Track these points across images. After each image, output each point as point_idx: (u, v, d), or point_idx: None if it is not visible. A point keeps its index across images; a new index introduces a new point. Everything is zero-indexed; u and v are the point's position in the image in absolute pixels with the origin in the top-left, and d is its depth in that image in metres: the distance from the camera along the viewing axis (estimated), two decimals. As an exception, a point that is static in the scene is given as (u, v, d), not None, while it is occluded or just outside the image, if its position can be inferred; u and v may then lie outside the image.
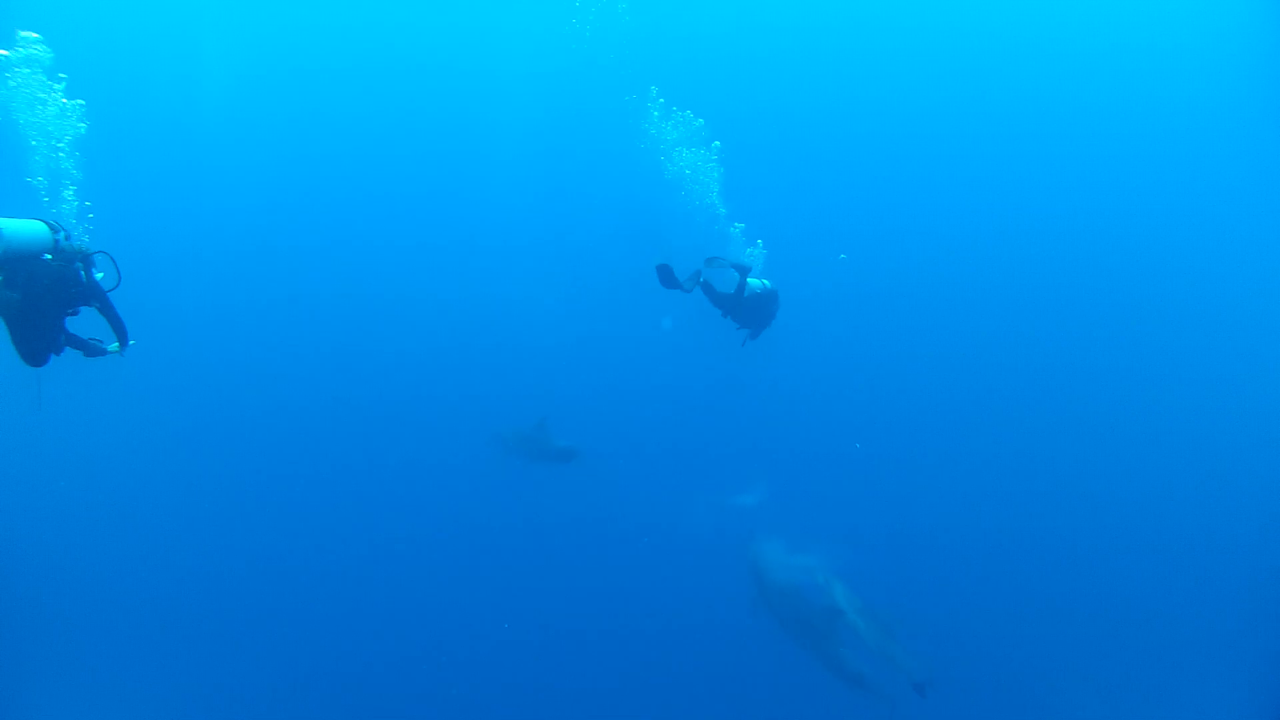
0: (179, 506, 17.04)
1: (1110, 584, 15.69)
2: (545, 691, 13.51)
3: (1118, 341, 22.19)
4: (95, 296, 5.79)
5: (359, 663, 14.12)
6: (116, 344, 6.12)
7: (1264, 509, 17.37)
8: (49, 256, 5.48)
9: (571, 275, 23.34)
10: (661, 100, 13.45)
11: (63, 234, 5.63)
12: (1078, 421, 20.10)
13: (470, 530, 16.71)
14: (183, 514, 16.88)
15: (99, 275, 5.80)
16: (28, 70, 7.14)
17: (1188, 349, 22.29)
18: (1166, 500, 17.95)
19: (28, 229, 5.41)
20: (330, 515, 17.19)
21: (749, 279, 9.18)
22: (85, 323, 6.03)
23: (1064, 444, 19.35)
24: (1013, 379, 21.54)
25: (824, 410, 20.34)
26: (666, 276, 8.94)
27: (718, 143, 12.70)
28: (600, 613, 14.86)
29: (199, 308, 21.21)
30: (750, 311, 9.39)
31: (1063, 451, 19.11)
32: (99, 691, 12.92)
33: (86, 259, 5.70)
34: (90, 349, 6.00)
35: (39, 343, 5.56)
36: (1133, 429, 19.85)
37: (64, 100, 7.31)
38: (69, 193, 7.76)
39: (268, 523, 16.80)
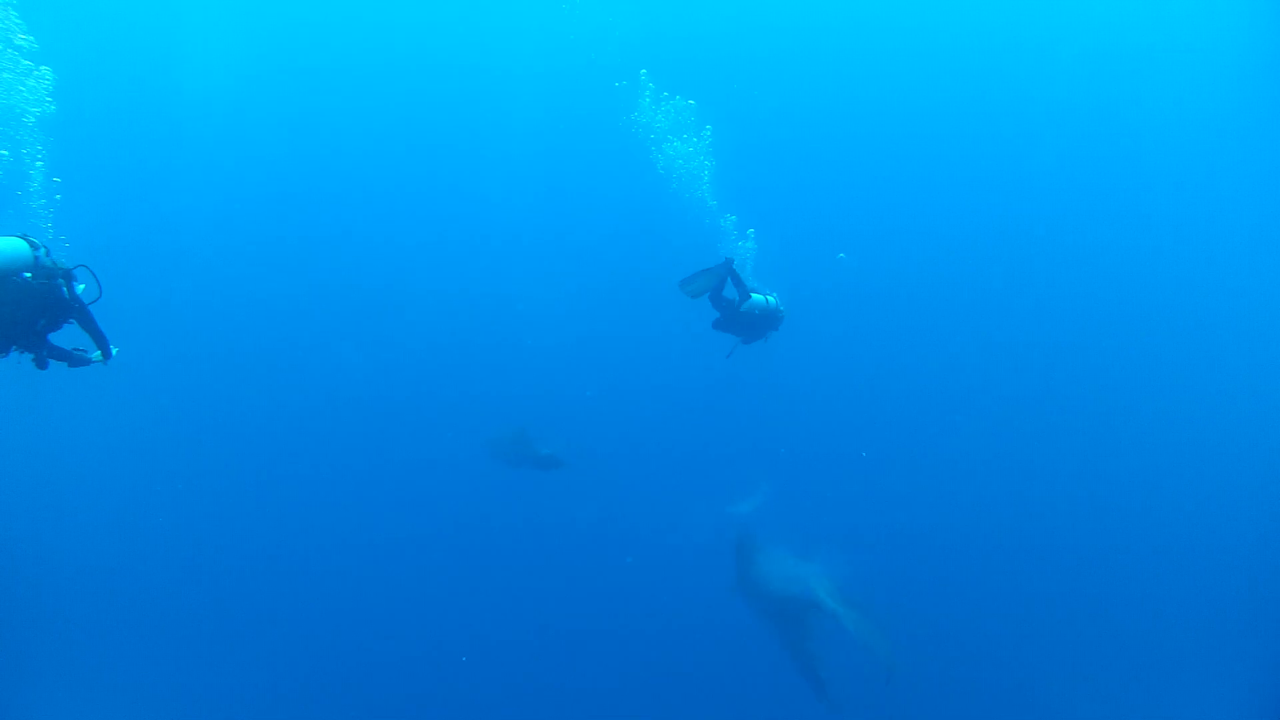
0: (170, 509, 16.84)
1: (1109, 586, 15.51)
2: (526, 696, 13.36)
3: (1116, 342, 21.90)
4: (77, 311, 5.72)
5: (347, 664, 13.98)
6: (99, 353, 6.06)
7: (1252, 507, 17.24)
8: (29, 275, 5.40)
9: (563, 274, 22.98)
10: (652, 86, 13.20)
11: (42, 249, 5.54)
12: (1076, 422, 19.86)
13: (458, 536, 16.48)
14: (173, 517, 16.66)
15: (80, 288, 5.73)
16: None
17: (1185, 349, 22.02)
18: (1166, 505, 17.71)
19: (5, 246, 5.35)
20: (321, 517, 16.97)
21: (753, 294, 9.24)
22: (67, 332, 6.02)
23: (1062, 444, 19.08)
24: (1012, 379, 21.20)
25: (820, 414, 20.06)
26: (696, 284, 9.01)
27: (709, 128, 12.43)
28: (584, 619, 14.71)
29: (183, 304, 20.90)
30: (747, 325, 9.39)
31: (1061, 452, 18.85)
32: (99, 692, 12.88)
33: (67, 274, 5.61)
34: (74, 359, 5.92)
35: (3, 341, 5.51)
36: (1131, 430, 19.62)
37: (27, 63, 7.09)
38: (36, 167, 7.57)
39: (260, 524, 16.64)
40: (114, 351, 6.10)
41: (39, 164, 7.53)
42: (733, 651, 13.07)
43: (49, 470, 16.77)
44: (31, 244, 5.47)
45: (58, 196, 7.54)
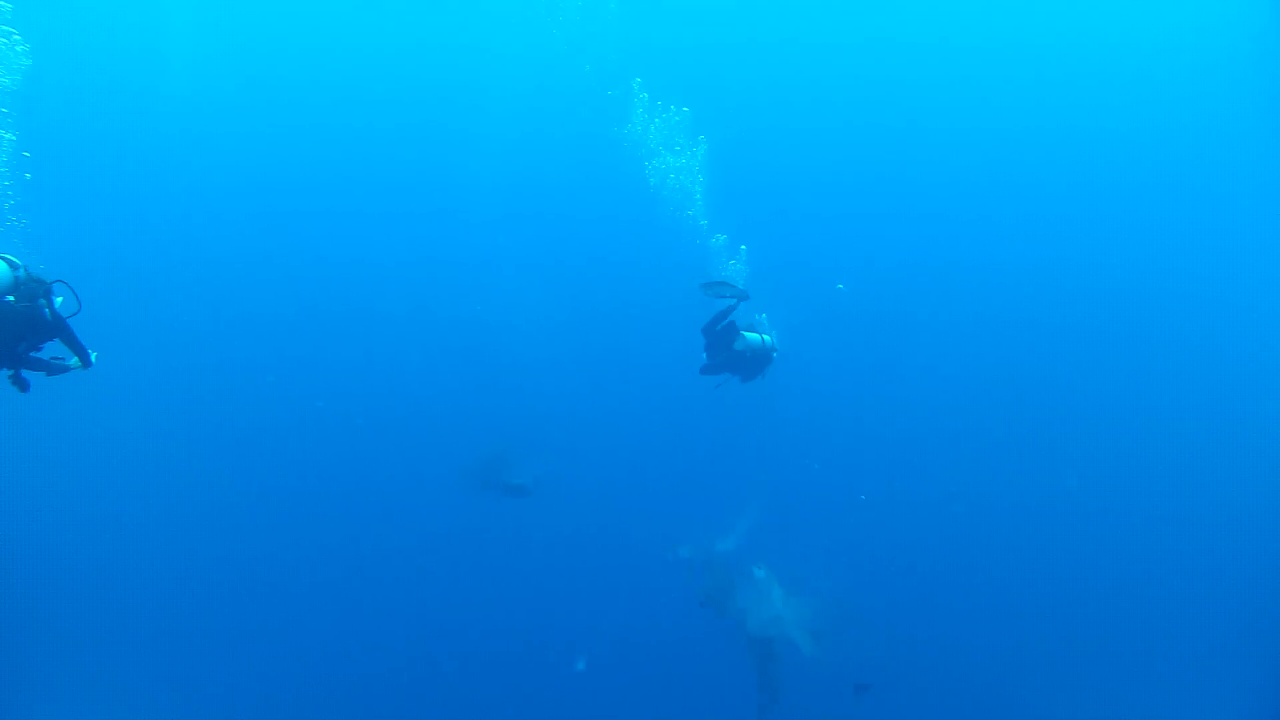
0: (142, 524, 16.32)
1: (1107, 605, 15.52)
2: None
3: (1119, 361, 21.59)
4: (58, 327, 5.69)
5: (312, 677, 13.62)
6: (78, 360, 6.00)
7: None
8: (11, 298, 5.37)
9: (550, 289, 22.40)
10: (645, 96, 13.03)
11: (21, 269, 5.48)
12: (1074, 445, 19.51)
13: (431, 557, 15.97)
14: (144, 534, 16.14)
15: (58, 301, 5.69)
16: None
17: (1186, 369, 21.69)
18: (1172, 515, 17.60)
19: None
20: (297, 530, 16.51)
21: (746, 334, 9.14)
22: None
23: (1059, 468, 18.75)
24: (1007, 393, 20.86)
25: (811, 442, 19.64)
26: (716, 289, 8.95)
27: (703, 137, 12.20)
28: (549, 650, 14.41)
29: (151, 299, 20.19)
30: (741, 365, 9.25)
31: (1056, 477, 18.56)
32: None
33: (46, 290, 5.59)
34: (52, 368, 5.87)
35: None
36: (1132, 447, 19.35)
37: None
38: (6, 140, 7.29)
39: (234, 532, 16.28)
40: (93, 358, 6.00)
41: (9, 137, 7.24)
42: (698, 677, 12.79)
43: (35, 477, 16.38)
44: (11, 264, 5.38)
45: (27, 175, 7.26)
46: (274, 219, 23.45)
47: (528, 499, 15.30)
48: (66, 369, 5.94)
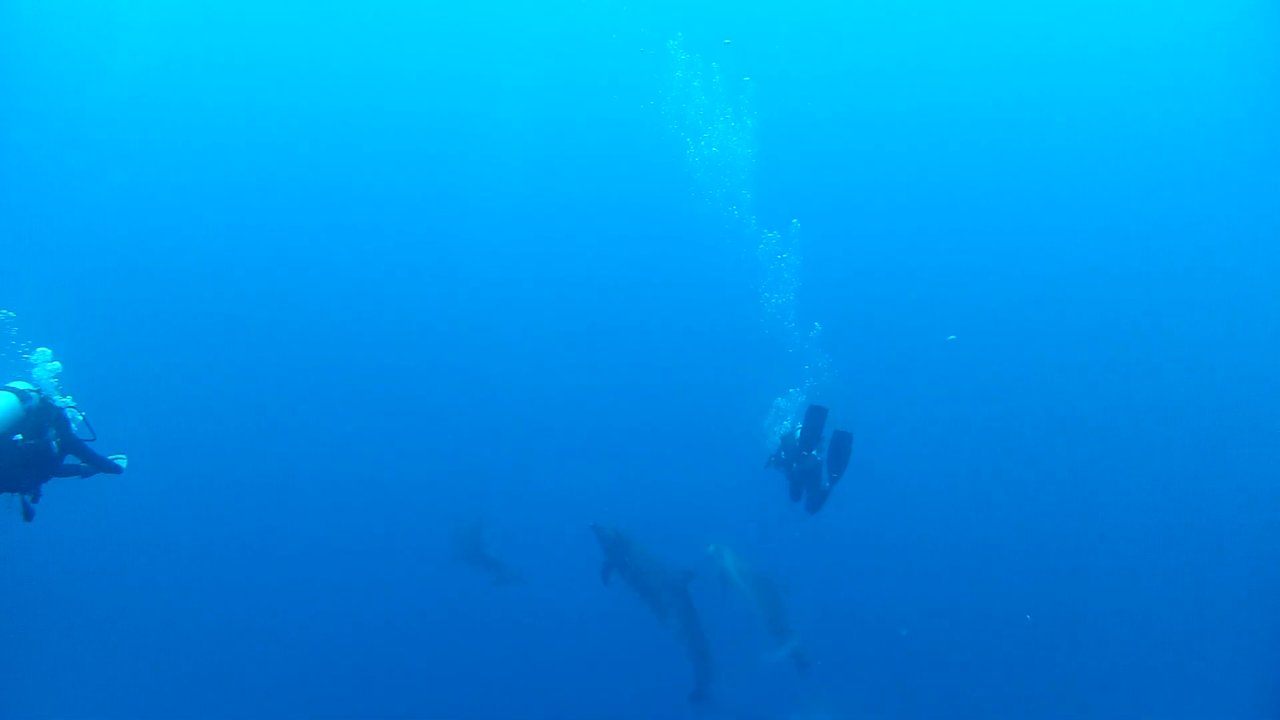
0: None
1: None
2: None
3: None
4: (75, 450, 5.51)
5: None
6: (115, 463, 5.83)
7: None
8: (19, 436, 5.07)
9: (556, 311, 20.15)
10: (683, 57, 10.99)
11: (34, 396, 5.22)
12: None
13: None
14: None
15: (74, 426, 5.48)
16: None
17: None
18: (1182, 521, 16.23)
19: None
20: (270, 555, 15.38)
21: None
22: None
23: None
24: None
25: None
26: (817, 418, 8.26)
27: (749, 78, 9.98)
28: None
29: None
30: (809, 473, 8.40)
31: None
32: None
33: (59, 417, 5.36)
34: (84, 473, 5.70)
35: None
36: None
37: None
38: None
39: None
40: (122, 462, 5.82)
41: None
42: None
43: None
44: (22, 398, 5.11)
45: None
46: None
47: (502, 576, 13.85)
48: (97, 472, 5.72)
